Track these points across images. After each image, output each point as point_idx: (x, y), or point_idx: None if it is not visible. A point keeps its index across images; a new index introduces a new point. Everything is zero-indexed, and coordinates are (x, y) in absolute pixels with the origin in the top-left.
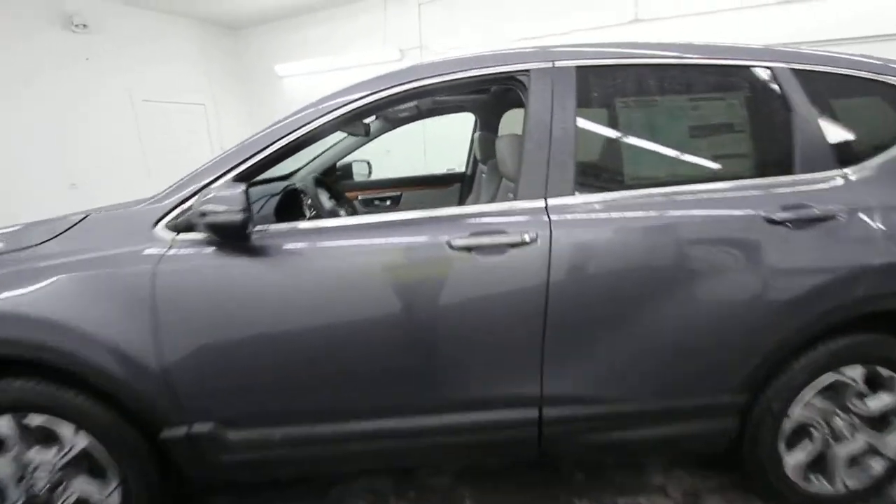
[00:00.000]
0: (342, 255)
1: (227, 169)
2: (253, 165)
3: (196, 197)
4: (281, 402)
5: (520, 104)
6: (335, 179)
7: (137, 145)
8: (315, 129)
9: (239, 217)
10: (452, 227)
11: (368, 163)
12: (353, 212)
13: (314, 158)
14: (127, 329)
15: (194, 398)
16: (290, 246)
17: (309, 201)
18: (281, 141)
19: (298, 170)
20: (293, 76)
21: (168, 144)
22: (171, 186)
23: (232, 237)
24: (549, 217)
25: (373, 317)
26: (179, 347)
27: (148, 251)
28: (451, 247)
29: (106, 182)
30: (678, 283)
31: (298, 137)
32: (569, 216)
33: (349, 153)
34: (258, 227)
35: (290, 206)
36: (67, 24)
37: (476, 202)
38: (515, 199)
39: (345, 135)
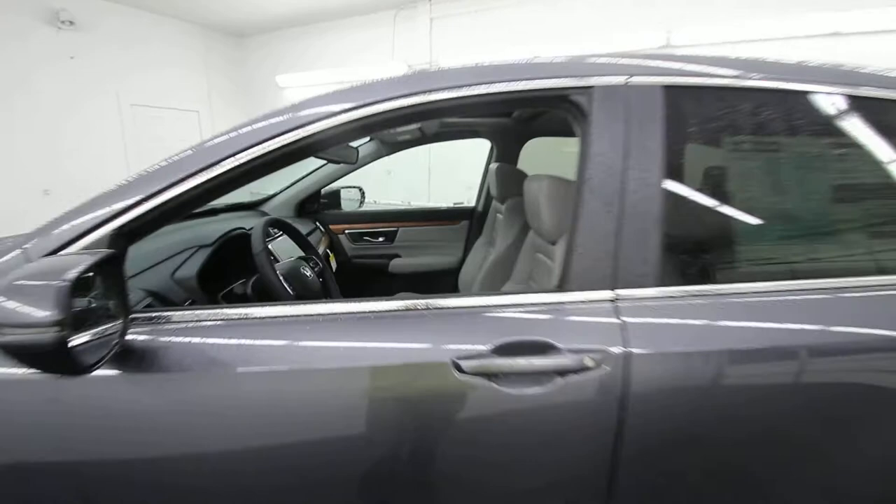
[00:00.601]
0: (275, 379)
1: (108, 216)
2: (157, 209)
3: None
4: None
5: (547, 132)
6: (317, 210)
7: (121, 152)
8: (274, 152)
9: (50, 337)
10: (462, 329)
11: (361, 189)
12: (321, 274)
13: (292, 183)
14: None
15: None
16: (191, 348)
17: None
18: (214, 168)
19: (273, 196)
20: (295, 87)
21: (155, 152)
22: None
23: (45, 367)
24: (620, 321)
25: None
26: None
27: None
28: (459, 370)
29: (83, 190)
30: (828, 440)
31: (244, 164)
32: (654, 321)
33: (338, 178)
34: (149, 314)
35: (230, 261)
36: (53, 21)
37: (488, 248)
38: (560, 284)
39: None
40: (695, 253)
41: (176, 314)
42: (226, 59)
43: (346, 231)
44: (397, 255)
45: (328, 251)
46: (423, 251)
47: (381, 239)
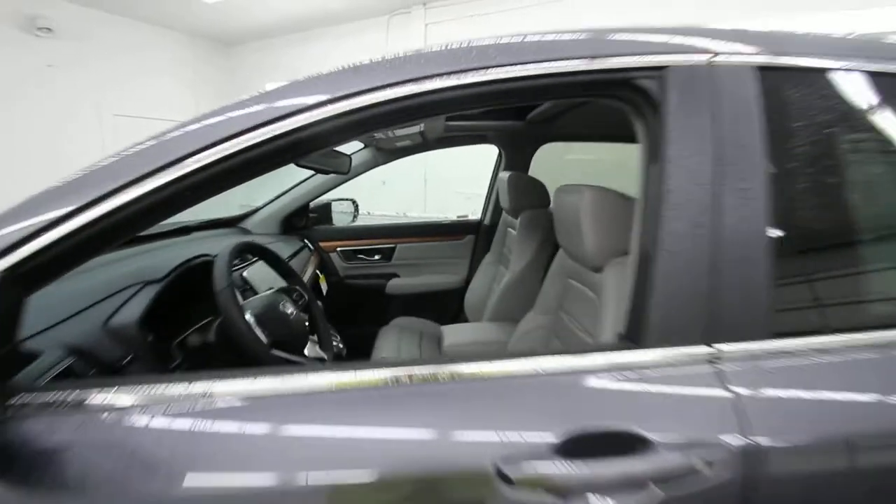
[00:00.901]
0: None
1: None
2: (69, 239)
3: None
4: None
5: (563, 136)
6: (306, 225)
7: None
8: (240, 154)
9: None
10: (502, 411)
11: (354, 202)
12: (308, 308)
13: (277, 196)
14: None
15: None
16: (109, 449)
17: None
18: (156, 177)
19: (256, 210)
20: None
21: None
22: None
23: None
24: (730, 392)
25: None
26: None
27: None
28: (505, 480)
29: None
30: None
31: (197, 172)
32: (781, 393)
33: (328, 190)
34: (46, 395)
35: (191, 300)
36: (29, 28)
37: (499, 266)
38: (629, 334)
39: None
40: (827, 290)
41: (91, 395)
42: (215, 67)
43: (339, 248)
44: (395, 275)
45: (318, 272)
46: (425, 270)
47: (377, 257)
